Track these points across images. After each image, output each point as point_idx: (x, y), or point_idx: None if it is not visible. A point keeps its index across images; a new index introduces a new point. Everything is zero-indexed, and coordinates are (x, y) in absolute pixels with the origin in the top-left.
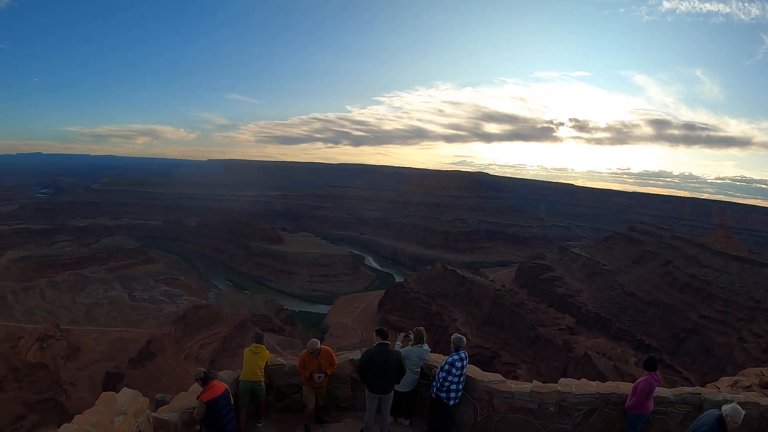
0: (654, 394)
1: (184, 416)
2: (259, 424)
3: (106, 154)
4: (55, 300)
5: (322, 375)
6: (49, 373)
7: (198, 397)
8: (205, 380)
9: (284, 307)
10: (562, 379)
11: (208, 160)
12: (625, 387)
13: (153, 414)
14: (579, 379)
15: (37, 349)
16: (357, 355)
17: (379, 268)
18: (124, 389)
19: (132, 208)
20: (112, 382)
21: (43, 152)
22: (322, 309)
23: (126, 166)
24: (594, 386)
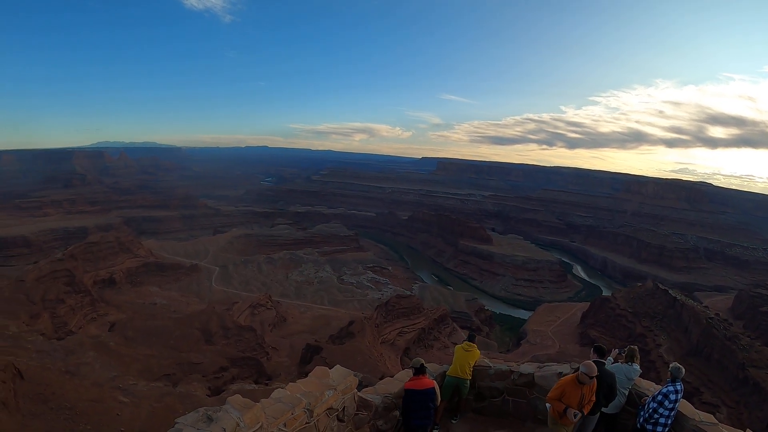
0: None
1: (386, 400)
2: (453, 421)
3: (326, 149)
4: (270, 274)
5: (580, 414)
6: (255, 336)
7: (405, 384)
8: (417, 371)
9: (485, 307)
10: None
11: (422, 158)
12: None
13: (358, 393)
14: None
15: (248, 315)
16: (566, 369)
17: (586, 278)
18: (337, 366)
19: (348, 199)
20: (310, 353)
21: (269, 146)
22: (522, 314)
23: (344, 160)
24: None
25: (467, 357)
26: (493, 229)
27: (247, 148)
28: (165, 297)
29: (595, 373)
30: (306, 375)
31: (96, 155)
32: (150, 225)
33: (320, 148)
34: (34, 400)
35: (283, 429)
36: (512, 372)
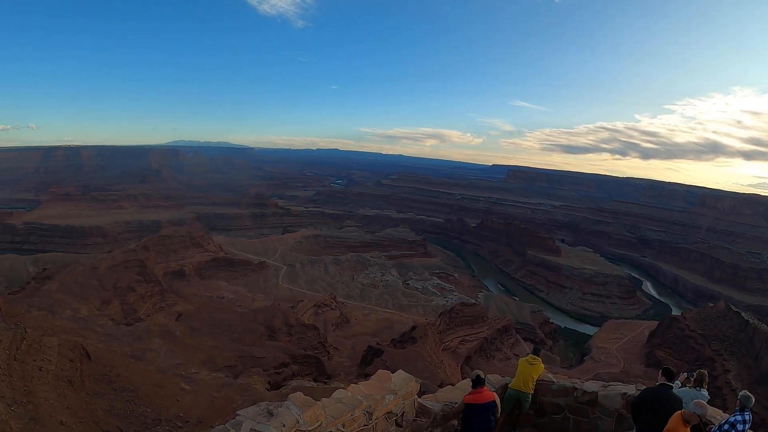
0: None
1: (445, 408)
2: None
3: (396, 153)
4: (336, 275)
5: None
6: (317, 335)
7: (465, 396)
8: (476, 383)
9: (550, 320)
10: None
11: (493, 165)
12: None
13: (419, 400)
14: None
15: (313, 313)
16: (631, 389)
17: (656, 296)
18: (400, 371)
19: (417, 204)
20: (371, 355)
21: (340, 149)
22: (588, 329)
23: (414, 165)
24: None
25: (531, 371)
26: (562, 240)
27: (319, 150)
28: (232, 291)
29: (707, 414)
30: (365, 377)
31: (171, 153)
32: (221, 222)
33: (390, 153)
34: (98, 381)
35: (342, 430)
36: (575, 389)
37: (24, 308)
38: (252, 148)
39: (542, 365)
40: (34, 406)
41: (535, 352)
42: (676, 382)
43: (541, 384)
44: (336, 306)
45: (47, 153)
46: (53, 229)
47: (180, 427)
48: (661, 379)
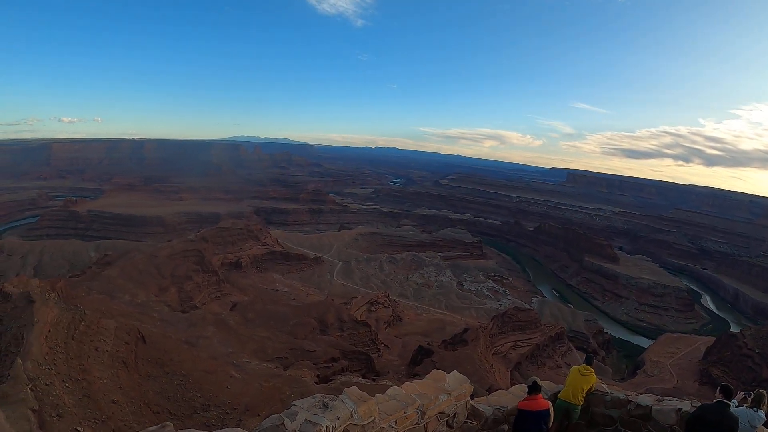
0: None
1: (497, 412)
2: None
3: (455, 153)
4: (391, 273)
5: None
6: (369, 332)
7: (519, 402)
8: (532, 389)
9: (604, 330)
10: None
11: (552, 168)
12: None
13: (471, 402)
14: None
15: (365, 310)
16: (686, 406)
17: (714, 310)
18: (455, 372)
19: (474, 205)
20: (421, 355)
21: (399, 147)
22: (642, 341)
23: (473, 166)
24: None
25: (582, 382)
26: (620, 248)
27: (378, 148)
28: (287, 285)
29: None
30: (414, 376)
31: (232, 148)
32: (279, 216)
33: (449, 153)
34: (152, 364)
35: (394, 426)
36: (629, 401)
37: (84, 291)
38: (311, 145)
39: (594, 376)
40: (88, 383)
41: (588, 362)
42: (733, 401)
43: (594, 395)
44: (389, 304)
45: (111, 145)
46: (115, 217)
47: (227, 413)
48: (719, 397)
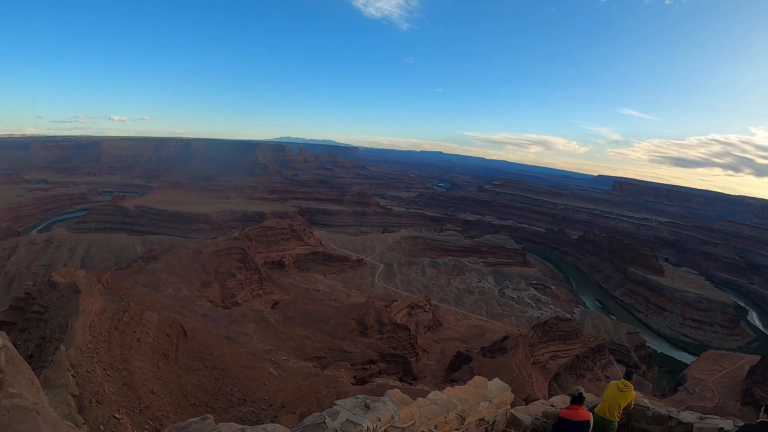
0: None
1: (536, 422)
2: None
3: (501, 159)
4: (433, 278)
5: None
6: (408, 336)
7: (561, 410)
8: (575, 400)
9: (646, 344)
10: None
11: (598, 175)
12: None
13: (511, 410)
14: None
15: (405, 314)
16: (728, 425)
17: (761, 328)
18: (496, 379)
19: (518, 212)
20: (460, 361)
21: (444, 152)
22: (685, 357)
23: (518, 171)
24: None
25: (619, 397)
26: (666, 259)
27: (422, 152)
28: (328, 285)
29: None
30: (452, 382)
31: (278, 149)
32: (322, 217)
33: (494, 158)
34: (192, 357)
35: (433, 431)
36: (671, 417)
37: (129, 284)
38: (356, 147)
39: (634, 392)
40: (129, 373)
41: (627, 377)
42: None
43: (636, 409)
44: (429, 309)
45: (160, 143)
46: (162, 213)
47: (263, 409)
48: (763, 416)
